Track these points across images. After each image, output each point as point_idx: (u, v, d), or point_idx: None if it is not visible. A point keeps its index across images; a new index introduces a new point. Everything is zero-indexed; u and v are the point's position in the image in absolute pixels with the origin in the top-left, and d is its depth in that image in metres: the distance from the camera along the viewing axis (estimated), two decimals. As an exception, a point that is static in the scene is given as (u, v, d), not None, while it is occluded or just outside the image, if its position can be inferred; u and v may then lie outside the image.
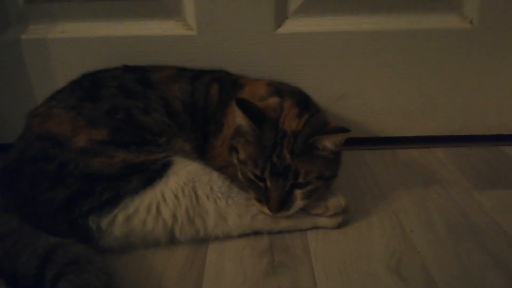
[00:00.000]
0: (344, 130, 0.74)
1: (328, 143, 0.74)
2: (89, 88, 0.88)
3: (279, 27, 1.05)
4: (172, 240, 0.78)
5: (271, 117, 0.78)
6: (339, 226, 0.82)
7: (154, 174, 0.76)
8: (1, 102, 1.11)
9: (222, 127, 0.90)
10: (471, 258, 0.75)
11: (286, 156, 0.74)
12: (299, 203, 0.77)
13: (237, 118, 0.78)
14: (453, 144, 1.15)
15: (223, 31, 1.04)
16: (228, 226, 0.79)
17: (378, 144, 1.15)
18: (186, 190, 0.76)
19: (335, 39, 1.06)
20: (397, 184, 0.98)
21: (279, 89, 0.89)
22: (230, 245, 0.79)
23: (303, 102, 0.85)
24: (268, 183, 0.76)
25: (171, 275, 0.73)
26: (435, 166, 1.06)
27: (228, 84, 0.95)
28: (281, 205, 0.76)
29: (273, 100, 0.84)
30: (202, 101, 0.92)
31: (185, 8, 1.05)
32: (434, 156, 1.11)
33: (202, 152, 0.88)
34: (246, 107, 0.76)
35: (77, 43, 1.06)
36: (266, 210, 0.77)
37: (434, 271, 0.72)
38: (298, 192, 0.76)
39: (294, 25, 1.05)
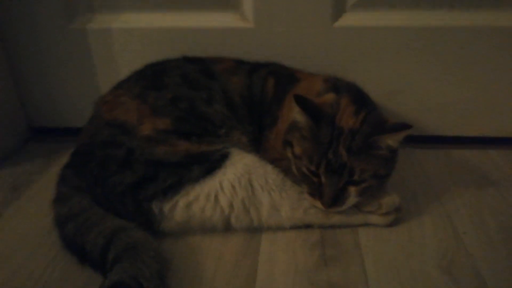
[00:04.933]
0: (405, 126, 0.74)
1: (389, 141, 0.75)
2: (153, 77, 0.93)
3: (336, 20, 1.04)
4: (227, 228, 0.82)
5: (328, 114, 0.79)
6: (391, 224, 0.83)
7: (213, 164, 0.80)
8: (68, 88, 1.18)
9: (277, 120, 0.92)
10: (526, 264, 0.74)
11: (343, 154, 0.75)
12: (352, 199, 0.79)
13: (295, 114, 0.80)
14: (510, 147, 1.11)
15: (280, 24, 1.05)
16: (281, 217, 0.82)
17: (431, 143, 1.13)
18: (243, 181, 0.80)
19: (393, 34, 1.04)
20: (450, 184, 0.97)
21: (336, 85, 0.90)
22: (282, 236, 0.82)
23: (360, 99, 0.85)
24: (323, 179, 0.78)
25: (227, 260, 0.77)
26: (490, 169, 1.04)
27: (284, 78, 0.97)
28: (334, 200, 0.78)
29: (330, 97, 0.85)
30: (259, 95, 0.95)
31: (243, 0, 1.06)
32: (490, 158, 1.08)
33: (258, 145, 0.91)
34: (304, 103, 0.78)
35: (139, 33, 1.10)
36: (318, 204, 0.79)
37: (487, 275, 0.72)
38: (352, 189, 0.78)
39: (351, 19, 1.04)
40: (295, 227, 0.83)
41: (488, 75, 1.06)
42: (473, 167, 1.04)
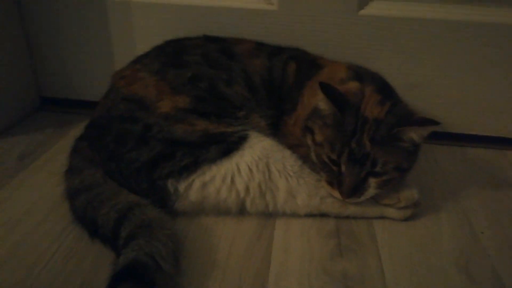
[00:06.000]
0: (433, 122, 0.72)
1: (414, 134, 0.73)
2: (173, 54, 0.91)
3: (362, 8, 1.02)
4: (242, 211, 0.80)
5: (353, 102, 0.77)
6: (407, 219, 0.82)
7: (231, 145, 0.78)
8: (82, 60, 1.16)
9: (297, 106, 0.90)
10: (544, 267, 0.73)
11: (366, 144, 0.74)
12: (371, 191, 0.77)
13: (318, 101, 0.78)
14: (528, 149, 1.10)
15: (305, 8, 1.02)
16: (296, 204, 0.80)
17: (447, 140, 1.11)
18: (260, 165, 0.78)
19: (418, 26, 1.02)
20: (466, 183, 0.95)
21: (359, 73, 0.88)
22: (296, 223, 0.81)
23: (385, 89, 0.84)
24: (343, 168, 0.76)
25: (241, 243, 0.76)
26: (507, 169, 1.02)
27: (305, 63, 0.94)
28: (353, 191, 0.76)
29: (354, 85, 0.83)
30: (279, 79, 0.92)
31: (268, -18, 1.04)
32: (506, 158, 1.07)
33: (276, 130, 0.89)
34: (329, 91, 0.76)
35: (159, 9, 1.07)
36: (336, 194, 0.78)
37: (505, 276, 0.71)
38: (372, 181, 0.76)
39: (377, 8, 1.02)
40: (310, 215, 0.82)
41: (509, 74, 1.04)
42: (490, 167, 1.03)
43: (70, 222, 0.78)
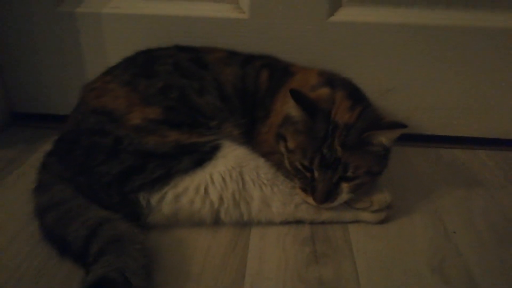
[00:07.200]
0: (401, 125, 0.73)
1: (384, 138, 0.74)
2: (144, 64, 0.90)
3: (332, 15, 1.03)
4: (216, 221, 0.80)
5: (323, 108, 0.78)
6: (381, 221, 0.83)
7: (204, 156, 0.78)
8: (54, 73, 1.14)
9: (270, 113, 0.90)
10: (516, 264, 0.74)
11: (337, 149, 0.74)
12: (344, 196, 0.78)
13: (290, 108, 0.78)
14: (499, 148, 1.13)
15: (275, 16, 1.03)
16: (271, 212, 0.80)
17: (421, 142, 1.13)
18: (234, 174, 0.78)
19: (389, 31, 1.04)
20: (439, 183, 0.97)
21: (331, 79, 0.88)
22: (272, 231, 0.80)
23: (355, 94, 0.84)
24: (316, 174, 0.76)
25: (216, 254, 0.75)
26: (479, 169, 1.04)
27: (278, 71, 0.95)
28: (327, 196, 0.76)
29: (325, 91, 0.83)
30: (252, 87, 0.93)
31: (238, -10, 1.04)
32: (478, 158, 1.09)
33: (249, 138, 0.89)
34: (299, 98, 0.76)
35: (130, 20, 1.07)
36: (310, 200, 0.78)
37: (478, 274, 0.72)
38: (344, 186, 0.77)
39: (347, 14, 1.03)
40: (286, 223, 0.81)
41: (478, 76, 1.07)
42: (462, 167, 1.05)
43: (40, 240, 0.75)
